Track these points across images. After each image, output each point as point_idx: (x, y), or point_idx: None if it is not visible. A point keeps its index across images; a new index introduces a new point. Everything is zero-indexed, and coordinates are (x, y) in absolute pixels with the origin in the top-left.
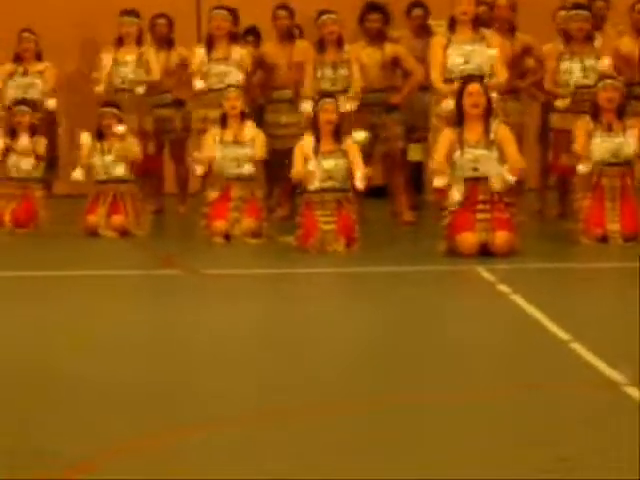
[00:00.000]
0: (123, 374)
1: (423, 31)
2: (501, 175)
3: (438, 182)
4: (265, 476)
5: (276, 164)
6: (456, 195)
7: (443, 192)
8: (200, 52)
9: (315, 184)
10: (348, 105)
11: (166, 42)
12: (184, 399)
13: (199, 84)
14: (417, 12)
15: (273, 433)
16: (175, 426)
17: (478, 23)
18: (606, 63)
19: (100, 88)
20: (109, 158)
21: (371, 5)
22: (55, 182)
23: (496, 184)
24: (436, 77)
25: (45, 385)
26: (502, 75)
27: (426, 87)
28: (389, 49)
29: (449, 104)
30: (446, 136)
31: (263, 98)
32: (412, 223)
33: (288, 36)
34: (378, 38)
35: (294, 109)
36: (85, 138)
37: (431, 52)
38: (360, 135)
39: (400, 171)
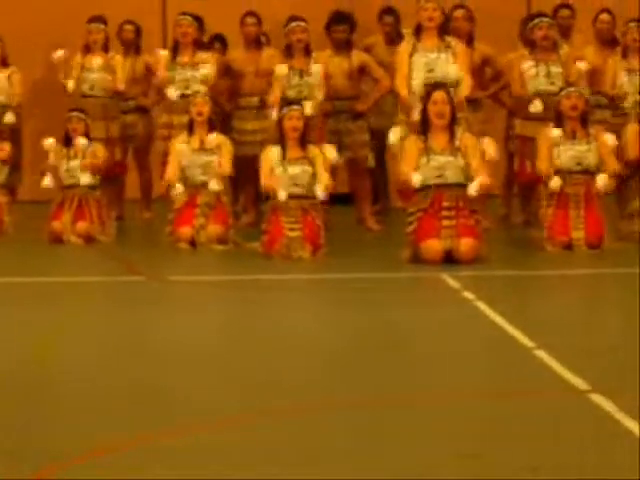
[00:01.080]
0: (95, 379)
1: (395, 37)
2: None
3: (416, 181)
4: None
5: (242, 171)
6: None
7: (409, 197)
8: (164, 55)
9: (282, 194)
10: (308, 109)
11: (133, 49)
12: (158, 403)
13: (172, 92)
14: (388, 19)
15: (249, 436)
16: (158, 428)
17: (444, 31)
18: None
19: (71, 85)
20: (75, 163)
21: (337, 15)
22: (19, 187)
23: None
24: (401, 84)
25: (21, 389)
26: (466, 87)
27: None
28: (356, 58)
29: (416, 115)
30: (412, 144)
31: (230, 105)
32: (377, 230)
33: (256, 43)
34: (345, 47)
35: (261, 116)
36: (49, 145)
37: (397, 59)
38: (332, 154)
39: (365, 178)
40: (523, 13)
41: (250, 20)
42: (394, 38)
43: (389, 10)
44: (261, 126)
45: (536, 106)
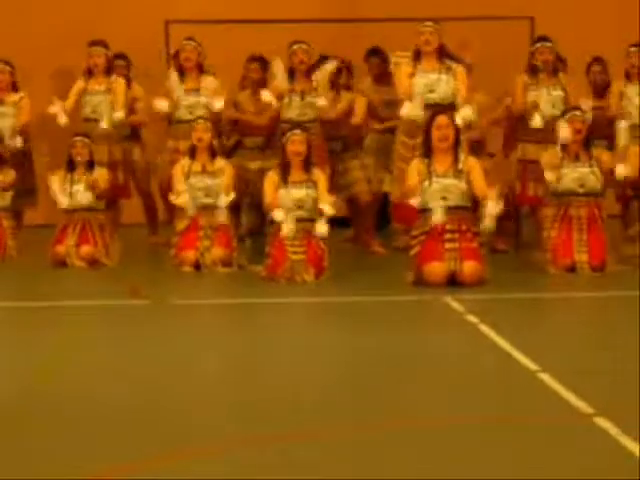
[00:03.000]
0: (98, 403)
1: (383, 78)
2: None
3: (415, 201)
4: None
5: (244, 194)
6: (439, 214)
7: (408, 219)
8: (174, 76)
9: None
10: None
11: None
12: (160, 427)
13: (161, 105)
14: (375, 60)
15: (252, 461)
16: (158, 453)
17: (443, 54)
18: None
19: (63, 120)
20: (78, 187)
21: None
22: (27, 212)
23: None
24: (403, 90)
25: (23, 413)
26: (471, 112)
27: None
28: (345, 98)
29: (408, 107)
30: (415, 166)
31: (232, 138)
32: (382, 253)
33: (260, 86)
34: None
35: (265, 156)
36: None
37: (397, 80)
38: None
39: (366, 213)
40: (526, 39)
41: (253, 66)
42: (382, 79)
43: (376, 51)
44: (264, 166)
45: (536, 121)
